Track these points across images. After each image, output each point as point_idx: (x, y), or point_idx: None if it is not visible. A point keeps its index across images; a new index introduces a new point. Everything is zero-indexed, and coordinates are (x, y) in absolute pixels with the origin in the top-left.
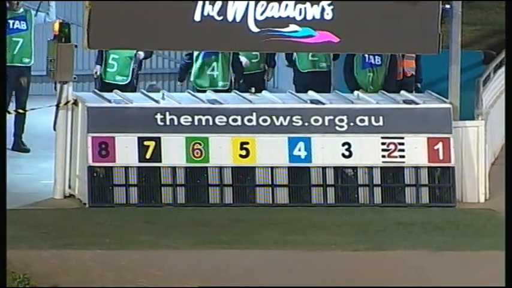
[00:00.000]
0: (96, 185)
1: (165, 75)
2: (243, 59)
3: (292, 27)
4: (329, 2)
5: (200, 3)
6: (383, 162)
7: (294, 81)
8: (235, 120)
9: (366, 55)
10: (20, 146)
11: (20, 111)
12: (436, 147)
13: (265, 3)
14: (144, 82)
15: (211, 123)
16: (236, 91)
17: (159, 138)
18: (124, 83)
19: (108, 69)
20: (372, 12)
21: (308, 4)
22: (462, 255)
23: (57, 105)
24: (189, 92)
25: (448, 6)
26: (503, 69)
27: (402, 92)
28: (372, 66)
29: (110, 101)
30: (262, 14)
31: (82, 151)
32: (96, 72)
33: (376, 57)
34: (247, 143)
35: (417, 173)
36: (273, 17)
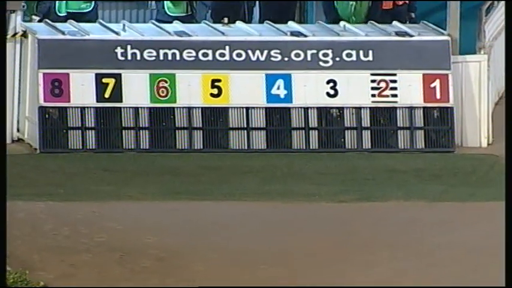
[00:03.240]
0: (49, 128)
1: (125, 4)
2: None
3: None
4: None
5: None
6: (373, 102)
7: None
8: (205, 55)
9: None
10: None
11: None
12: (432, 85)
13: None
14: (101, 11)
15: (178, 57)
16: (206, 21)
17: (120, 75)
18: (88, 10)
19: None
20: None
21: None
22: (462, 206)
23: None
24: (153, 23)
25: None
26: None
27: (394, 22)
28: None
29: (63, 33)
30: None
31: (32, 89)
32: None
33: None
34: (219, 81)
35: (411, 114)
36: None
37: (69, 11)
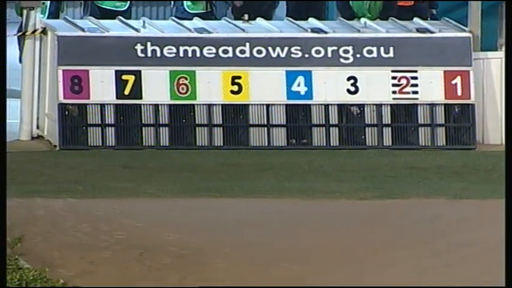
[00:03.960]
0: (68, 124)
1: (145, 1)
2: None
3: None
4: None
5: None
6: (393, 99)
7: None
8: (225, 52)
9: None
10: None
11: None
12: (453, 82)
13: None
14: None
15: (198, 54)
16: (227, 18)
17: (140, 71)
18: (123, 9)
19: None
20: None
21: None
22: (483, 203)
23: (23, 34)
24: (173, 20)
25: None
26: None
27: (415, 19)
28: None
29: (83, 30)
30: None
31: (52, 86)
32: None
33: None
34: (239, 78)
35: (432, 111)
36: None
37: (104, 7)
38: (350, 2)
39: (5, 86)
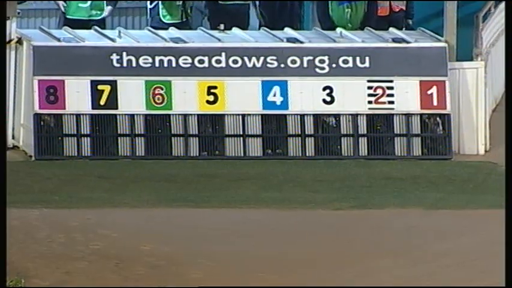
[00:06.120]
0: (44, 135)
1: (121, 10)
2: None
3: None
4: None
5: None
6: (369, 109)
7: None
8: (201, 62)
9: None
10: None
11: None
12: (429, 92)
13: None
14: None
15: (174, 64)
16: (203, 28)
17: (115, 81)
18: (98, 18)
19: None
20: None
21: None
22: (459, 214)
23: None
24: (148, 30)
25: None
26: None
27: (391, 29)
28: (350, 1)
29: (59, 40)
30: None
31: (27, 96)
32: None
33: None
34: (215, 87)
35: (408, 121)
36: None
37: (75, 17)
38: (330, 13)
39: (5, 87)
